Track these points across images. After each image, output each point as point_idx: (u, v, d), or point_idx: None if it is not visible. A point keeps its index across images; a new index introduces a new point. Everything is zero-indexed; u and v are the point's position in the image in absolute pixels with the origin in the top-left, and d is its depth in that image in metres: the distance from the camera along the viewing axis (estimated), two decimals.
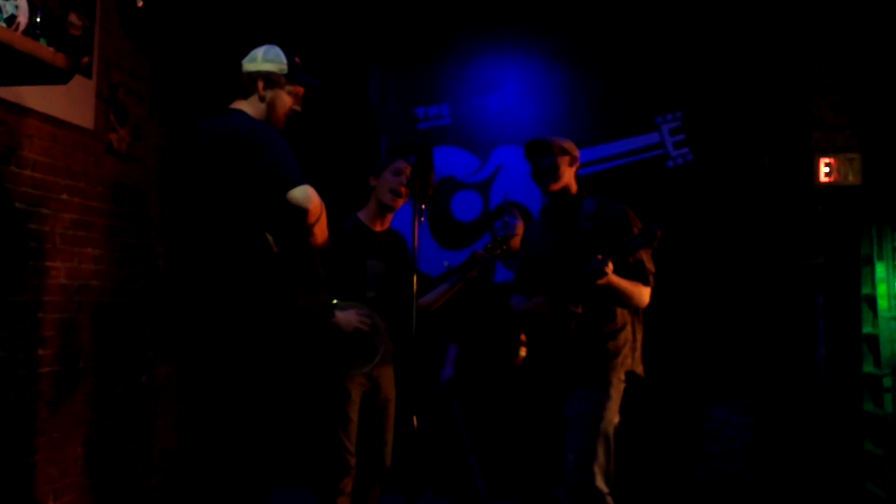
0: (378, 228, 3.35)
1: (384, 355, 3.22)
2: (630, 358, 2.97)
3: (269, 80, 2.59)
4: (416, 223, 2.69)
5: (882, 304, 4.07)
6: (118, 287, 3.77)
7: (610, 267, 2.75)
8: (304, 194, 2.34)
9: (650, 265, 2.97)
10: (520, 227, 3.69)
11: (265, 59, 2.61)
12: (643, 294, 2.93)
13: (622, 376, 2.94)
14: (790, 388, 4.30)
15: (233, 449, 2.42)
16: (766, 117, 4.40)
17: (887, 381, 3.96)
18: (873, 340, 4.14)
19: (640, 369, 3.02)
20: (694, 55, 4.48)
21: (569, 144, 3.04)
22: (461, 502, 3.64)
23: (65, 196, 3.40)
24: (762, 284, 4.34)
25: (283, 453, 3.98)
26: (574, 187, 3.06)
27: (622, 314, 2.97)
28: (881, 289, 4.09)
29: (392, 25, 4.73)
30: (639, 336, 3.04)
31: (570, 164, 3.03)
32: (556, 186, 3.01)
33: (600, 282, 2.76)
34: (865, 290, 4.23)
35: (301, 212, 2.35)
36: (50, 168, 3.30)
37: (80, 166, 3.50)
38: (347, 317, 3.10)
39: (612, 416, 2.90)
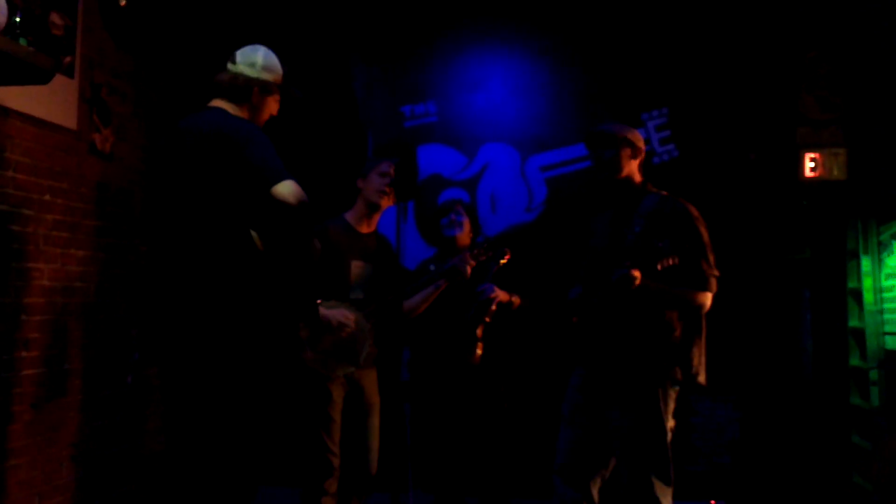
0: (365, 230, 3.34)
1: (367, 358, 3.20)
2: (676, 365, 2.87)
3: (266, 88, 2.60)
4: (399, 223, 2.68)
5: (868, 297, 4.09)
6: (103, 288, 3.75)
7: (635, 274, 2.68)
8: (289, 189, 2.33)
9: (709, 269, 2.85)
10: (466, 225, 3.62)
11: (265, 67, 2.60)
12: (698, 299, 2.83)
13: (669, 382, 2.85)
14: (777, 381, 4.30)
15: (218, 449, 2.40)
16: (751, 113, 4.40)
17: (874, 375, 3.98)
18: (859, 334, 4.15)
19: (701, 378, 2.89)
20: (679, 51, 4.47)
21: (633, 134, 2.93)
22: (445, 500, 3.62)
23: (47, 197, 3.37)
24: (748, 279, 4.33)
25: (268, 452, 3.96)
26: (637, 178, 2.97)
27: (670, 319, 2.85)
28: (867, 282, 4.11)
29: (377, 22, 4.71)
30: (696, 342, 2.90)
31: (633, 157, 2.93)
32: (617, 178, 2.93)
33: (633, 287, 2.70)
34: (851, 284, 4.24)
35: (286, 207, 2.33)
36: (32, 169, 3.28)
37: (63, 167, 3.48)
38: (335, 314, 3.08)
39: (667, 423, 2.83)
